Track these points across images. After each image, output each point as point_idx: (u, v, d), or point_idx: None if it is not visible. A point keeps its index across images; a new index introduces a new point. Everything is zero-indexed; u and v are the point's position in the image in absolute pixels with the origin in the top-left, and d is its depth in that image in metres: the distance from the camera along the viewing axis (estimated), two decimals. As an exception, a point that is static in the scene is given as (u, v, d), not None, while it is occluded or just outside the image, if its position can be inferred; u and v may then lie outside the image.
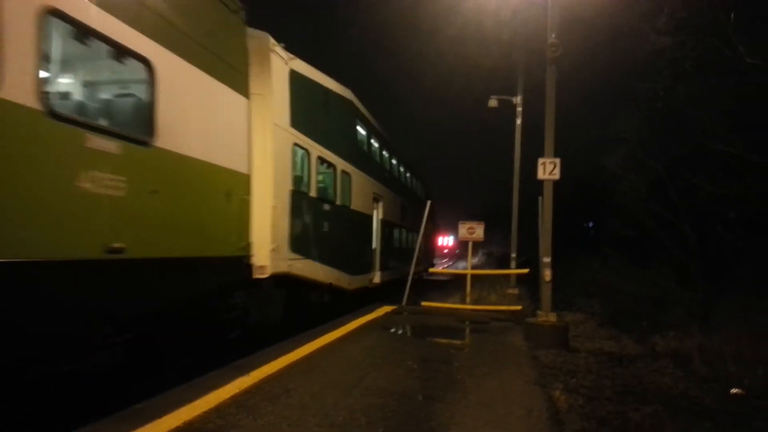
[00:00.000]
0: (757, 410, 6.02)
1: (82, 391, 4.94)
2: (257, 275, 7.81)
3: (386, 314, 11.28)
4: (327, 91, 11.34)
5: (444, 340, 8.89)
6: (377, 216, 15.57)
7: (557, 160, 9.35)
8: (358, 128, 14.18)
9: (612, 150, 18.60)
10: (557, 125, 9.55)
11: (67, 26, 4.59)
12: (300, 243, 9.27)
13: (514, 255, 18.29)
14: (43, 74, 4.25)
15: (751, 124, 12.47)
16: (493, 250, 58.79)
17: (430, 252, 30.53)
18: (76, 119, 4.60)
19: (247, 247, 7.59)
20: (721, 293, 12.25)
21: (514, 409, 4.94)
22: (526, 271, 14.59)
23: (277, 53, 8.57)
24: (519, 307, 12.46)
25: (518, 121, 19.08)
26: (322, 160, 10.75)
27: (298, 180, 9.39)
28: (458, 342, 8.80)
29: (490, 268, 32.22)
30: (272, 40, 8.38)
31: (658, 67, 13.94)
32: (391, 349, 7.60)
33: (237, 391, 5.06)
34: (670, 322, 11.43)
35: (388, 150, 17.84)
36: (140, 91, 5.59)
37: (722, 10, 11.89)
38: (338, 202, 11.75)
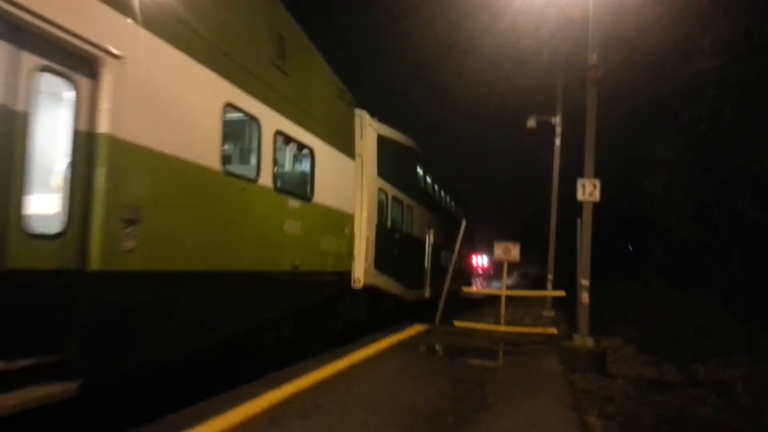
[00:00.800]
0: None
1: (120, 401, 5.03)
2: (355, 286, 11.11)
3: (418, 333, 11.21)
4: (398, 144, 14.23)
5: (477, 362, 8.77)
6: (429, 240, 17.11)
7: (597, 182, 9.20)
8: (417, 168, 16.91)
9: (654, 172, 18.22)
10: (597, 146, 9.42)
11: (283, 137, 8.04)
12: (381, 263, 12.24)
13: (550, 277, 17.99)
14: (274, 168, 7.57)
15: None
16: (529, 271, 58.00)
17: (466, 271, 30.98)
18: (284, 190, 8.06)
19: (351, 264, 10.98)
20: (767, 321, 11.78)
21: (548, 435, 4.84)
22: (562, 293, 14.32)
23: (371, 125, 11.97)
24: (554, 331, 12.21)
25: (557, 142, 18.91)
26: (395, 198, 13.74)
27: (380, 215, 12.55)
28: (492, 364, 8.67)
29: (525, 289, 31.79)
30: (368, 117, 11.89)
31: (702, 89, 13.65)
32: (423, 368, 7.55)
33: (267, 405, 5.08)
34: (712, 350, 11.03)
35: (436, 181, 19.89)
36: (306, 168, 9.02)
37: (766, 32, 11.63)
38: (404, 230, 14.70)
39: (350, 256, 10.84)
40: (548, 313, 15.77)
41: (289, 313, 8.43)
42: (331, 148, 9.63)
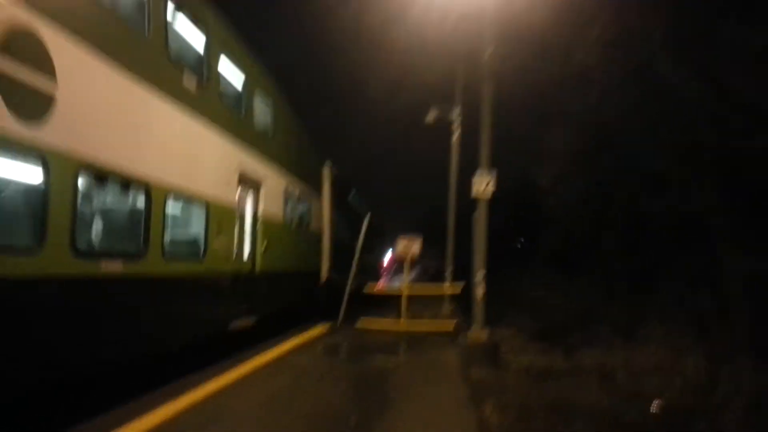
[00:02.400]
0: (676, 423, 6.28)
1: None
2: (322, 278, 15.87)
3: (321, 334, 11.16)
4: (340, 181, 18.25)
5: (379, 360, 8.85)
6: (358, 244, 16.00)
7: (491, 178, 9.54)
8: (349, 194, 22.22)
9: (542, 165, 19.08)
10: (494, 139, 9.75)
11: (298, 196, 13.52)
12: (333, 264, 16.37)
13: (448, 272, 18.49)
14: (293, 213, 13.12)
15: (675, 141, 13.07)
16: (431, 265, 59.36)
17: (375, 268, 32.32)
18: (298, 225, 13.64)
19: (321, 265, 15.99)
20: (645, 307, 12.73)
21: (447, 428, 4.96)
22: (458, 290, 14.82)
23: (330, 170, 16.56)
24: (452, 325, 12.58)
25: (455, 137, 19.39)
26: (338, 219, 17.90)
27: (335, 234, 16.90)
28: (393, 361, 8.78)
29: (427, 282, 32.53)
30: (330, 166, 16.64)
31: (589, 82, 14.41)
32: (325, 370, 7.52)
33: (163, 418, 4.85)
34: (595, 336, 11.77)
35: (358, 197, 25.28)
36: (304, 209, 14.44)
37: (652, 28, 12.43)
38: (339, 240, 17.67)
39: (321, 260, 15.92)
40: (448, 306, 16.22)
41: (302, 291, 14.01)
42: (316, 194, 15.47)
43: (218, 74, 8.64)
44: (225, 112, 8.80)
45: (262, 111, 10.88)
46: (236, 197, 9.15)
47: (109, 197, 6.33)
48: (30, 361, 4.58)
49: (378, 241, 36.53)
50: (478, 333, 9.17)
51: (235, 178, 9.08)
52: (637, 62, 13.20)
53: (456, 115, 19.34)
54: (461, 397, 6.21)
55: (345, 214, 19.18)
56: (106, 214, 6.21)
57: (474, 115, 10.20)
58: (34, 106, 4.51)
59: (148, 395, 5.58)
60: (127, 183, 6.15)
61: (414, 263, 15.00)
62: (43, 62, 4.58)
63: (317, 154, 16.27)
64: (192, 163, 7.59)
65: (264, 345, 9.18)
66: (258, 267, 10.21)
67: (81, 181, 5.19)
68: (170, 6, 6.98)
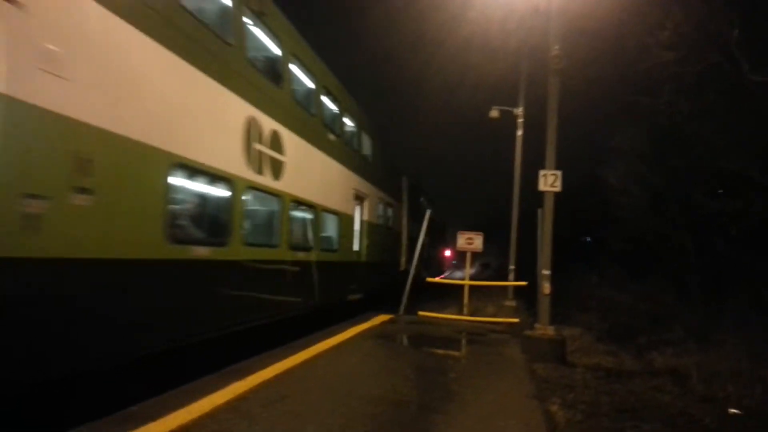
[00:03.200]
0: (756, 430, 5.97)
1: (80, 394, 4.88)
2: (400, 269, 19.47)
3: (382, 323, 11.21)
4: (415, 188, 22.62)
5: (441, 351, 8.82)
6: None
7: (558, 173, 9.30)
8: (419, 196, 25.21)
9: (612, 163, 18.56)
10: (559, 137, 9.51)
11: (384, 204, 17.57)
12: (406, 258, 19.96)
13: (512, 267, 18.20)
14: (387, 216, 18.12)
15: (753, 141, 12.47)
16: (491, 262, 58.74)
17: (437, 262, 34.05)
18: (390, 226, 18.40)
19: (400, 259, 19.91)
20: (720, 310, 12.20)
21: (512, 423, 4.88)
22: (524, 283, 14.52)
23: (407, 181, 20.34)
24: (516, 320, 12.39)
25: (519, 133, 19.06)
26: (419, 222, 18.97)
27: (409, 232, 20.49)
28: (455, 353, 8.73)
29: (486, 280, 32.20)
30: (405, 178, 20.30)
31: (660, 82, 13.94)
32: (388, 358, 7.54)
33: (232, 396, 4.99)
34: (668, 338, 11.37)
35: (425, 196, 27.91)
36: (390, 213, 18.28)
37: (726, 26, 11.91)
38: (411, 236, 20.55)
39: (400, 255, 19.93)
40: (510, 302, 15.96)
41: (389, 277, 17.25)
42: (396, 201, 18.87)
43: (344, 130, 13.31)
44: (347, 153, 13.26)
45: (365, 147, 15.76)
46: (353, 209, 13.63)
47: (299, 213, 10.41)
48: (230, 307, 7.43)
49: (440, 237, 36.53)
50: (544, 330, 8.95)
51: (352, 195, 13.50)
52: (712, 61, 12.68)
53: (520, 110, 19.01)
54: (527, 393, 6.09)
55: (416, 216, 22.28)
56: (294, 222, 10.19)
57: (540, 111, 9.96)
58: (277, 170, 8.68)
59: (238, 364, 5.81)
60: (307, 206, 10.48)
61: (473, 260, 14.81)
62: (281, 146, 8.83)
63: (396, 169, 20.65)
64: (333, 189, 12.02)
65: (329, 331, 9.32)
66: (363, 258, 14.61)
67: (293, 208, 9.60)
68: (326, 98, 11.78)
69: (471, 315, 13.15)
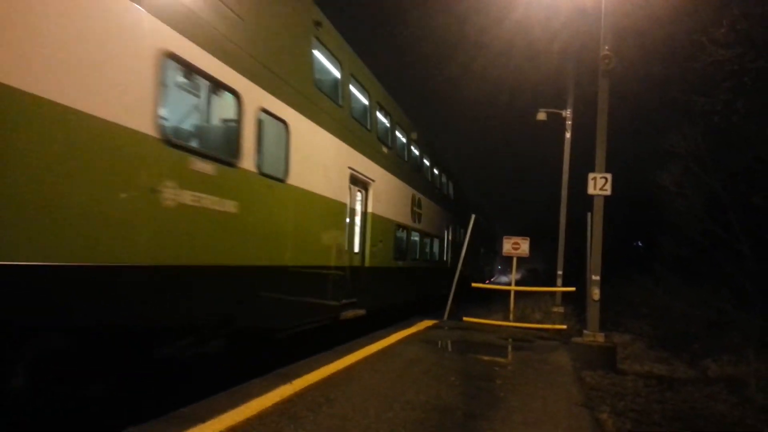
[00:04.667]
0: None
1: (133, 395, 5.04)
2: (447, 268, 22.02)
3: (427, 328, 11.18)
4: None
5: (486, 357, 8.72)
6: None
7: (608, 175, 9.10)
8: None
9: (665, 166, 17.99)
10: (609, 139, 9.30)
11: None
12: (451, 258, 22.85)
13: (560, 272, 17.87)
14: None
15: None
16: (537, 267, 57.76)
17: (485, 266, 34.96)
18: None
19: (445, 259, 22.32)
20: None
21: (559, 431, 4.78)
22: (572, 289, 14.24)
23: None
24: (564, 326, 12.15)
25: (567, 135, 18.74)
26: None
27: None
28: (501, 359, 8.62)
29: (532, 286, 31.79)
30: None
31: (716, 81, 13.45)
32: (432, 363, 7.51)
33: (279, 399, 5.06)
34: (724, 345, 10.94)
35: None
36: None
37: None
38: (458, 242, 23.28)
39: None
40: (558, 308, 15.67)
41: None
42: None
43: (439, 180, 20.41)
44: (446, 199, 21.41)
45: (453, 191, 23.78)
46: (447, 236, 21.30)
47: (420, 239, 17.11)
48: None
49: (488, 242, 36.20)
50: (593, 337, 8.75)
51: (446, 226, 21.32)
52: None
53: (568, 113, 18.68)
54: (575, 400, 5.96)
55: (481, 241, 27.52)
56: (421, 245, 17.29)
57: (589, 113, 9.78)
58: (417, 216, 15.42)
59: (285, 368, 5.92)
60: (429, 235, 17.81)
61: (518, 265, 14.56)
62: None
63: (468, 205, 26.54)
64: (439, 225, 20.04)
65: (374, 335, 9.35)
66: (449, 265, 20.54)
67: (418, 236, 16.23)
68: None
69: (517, 321, 12.97)
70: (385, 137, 12.99)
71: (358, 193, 10.94)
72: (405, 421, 4.71)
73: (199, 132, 6.47)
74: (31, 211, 3.80)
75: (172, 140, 5.12)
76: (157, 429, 4.09)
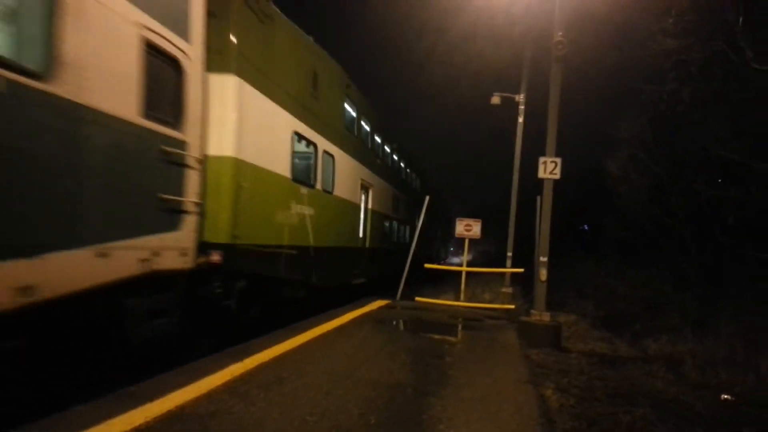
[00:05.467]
0: (746, 417, 6.04)
1: (78, 373, 4.93)
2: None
3: (380, 308, 11.27)
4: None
5: (437, 336, 8.87)
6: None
7: (558, 160, 9.33)
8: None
9: (613, 151, 18.53)
10: (560, 125, 9.51)
11: None
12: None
13: (510, 254, 18.26)
14: None
15: (755, 131, 12.45)
16: (488, 249, 58.82)
17: (438, 247, 35.50)
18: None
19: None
20: (717, 298, 12.26)
21: (506, 406, 4.94)
22: (521, 270, 14.60)
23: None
24: (512, 306, 12.47)
25: (520, 119, 19.02)
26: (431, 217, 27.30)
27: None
28: (451, 338, 8.79)
29: (484, 267, 32.39)
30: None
31: (663, 70, 13.88)
32: (384, 342, 7.60)
33: (230, 377, 5.05)
34: (663, 325, 11.44)
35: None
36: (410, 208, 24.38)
37: (731, 15, 11.84)
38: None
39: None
40: (507, 289, 16.05)
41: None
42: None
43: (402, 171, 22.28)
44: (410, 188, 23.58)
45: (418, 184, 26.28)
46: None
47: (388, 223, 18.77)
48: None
49: (444, 225, 36.67)
50: (540, 316, 9.03)
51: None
52: (717, 49, 12.62)
53: (521, 97, 18.96)
54: (521, 377, 6.15)
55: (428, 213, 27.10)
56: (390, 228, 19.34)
57: (543, 98, 9.94)
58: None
59: (237, 347, 5.86)
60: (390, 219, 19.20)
61: (470, 247, 14.82)
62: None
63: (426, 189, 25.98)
64: (404, 213, 21.97)
65: (327, 314, 9.39)
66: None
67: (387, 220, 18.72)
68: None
69: (468, 301, 13.22)
70: (378, 151, 17.14)
71: (363, 195, 14.79)
72: (356, 398, 4.77)
73: (300, 170, 10.06)
74: (253, 219, 7.82)
75: (295, 178, 9.38)
76: (103, 407, 4.02)
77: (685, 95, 13.56)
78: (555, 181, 9.38)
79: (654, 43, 13.50)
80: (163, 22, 5.77)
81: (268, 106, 8.25)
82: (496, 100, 19.47)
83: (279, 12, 8.60)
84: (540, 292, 9.23)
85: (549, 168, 9.33)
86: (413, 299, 12.95)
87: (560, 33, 9.41)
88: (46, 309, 4.31)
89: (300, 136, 9.63)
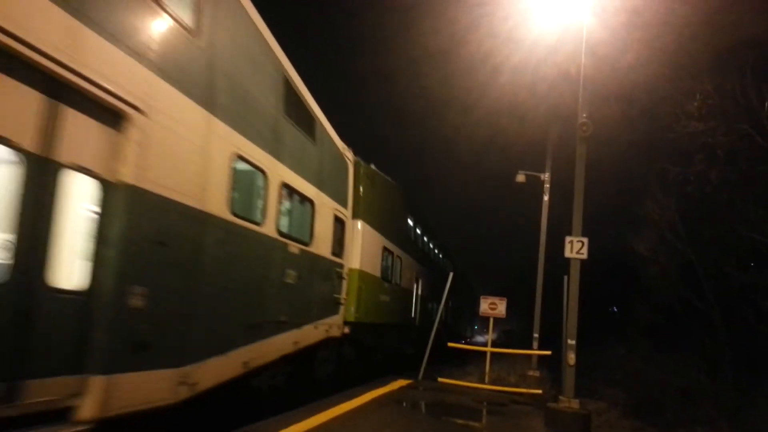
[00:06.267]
0: None
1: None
2: None
3: (401, 388, 10.92)
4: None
5: (460, 421, 8.50)
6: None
7: (585, 240, 9.17)
8: None
9: (640, 231, 18.25)
10: (586, 203, 9.42)
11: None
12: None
13: (536, 335, 17.74)
14: None
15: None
16: (513, 328, 57.43)
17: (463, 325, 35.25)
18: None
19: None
20: (753, 387, 11.62)
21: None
22: (548, 352, 14.12)
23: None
24: (539, 391, 11.96)
25: (545, 198, 19.00)
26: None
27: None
28: (475, 423, 8.42)
29: (508, 346, 31.50)
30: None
31: (690, 150, 13.84)
32: (406, 426, 7.28)
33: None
34: (698, 416, 10.84)
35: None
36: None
37: (755, 99, 11.88)
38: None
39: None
40: (533, 372, 15.46)
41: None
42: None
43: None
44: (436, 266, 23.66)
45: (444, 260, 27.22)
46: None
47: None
48: None
49: (466, 302, 36.22)
50: (568, 403, 8.60)
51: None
52: (742, 132, 12.60)
53: (546, 176, 19.02)
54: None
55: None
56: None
57: (569, 175, 9.93)
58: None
59: (256, 425, 5.67)
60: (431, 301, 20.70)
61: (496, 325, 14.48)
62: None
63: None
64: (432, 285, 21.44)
65: (346, 394, 9.09)
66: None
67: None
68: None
69: (493, 383, 12.75)
70: (425, 247, 20.26)
71: (415, 284, 17.50)
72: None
73: (385, 270, 14.01)
74: (365, 305, 11.89)
75: (382, 276, 13.68)
76: None
77: (713, 176, 13.43)
78: (582, 261, 9.19)
79: (679, 125, 13.54)
80: (340, 203, 10.58)
81: (372, 233, 12.47)
82: (521, 178, 19.55)
83: (378, 172, 13.15)
84: (568, 377, 8.84)
85: (576, 248, 9.17)
86: (435, 379, 12.53)
87: (584, 115, 9.49)
88: (302, 352, 8.68)
89: (386, 249, 13.71)
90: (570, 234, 9.29)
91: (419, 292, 18.85)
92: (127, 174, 4.40)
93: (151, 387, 4.64)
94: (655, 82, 13.75)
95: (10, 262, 3.64)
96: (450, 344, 14.00)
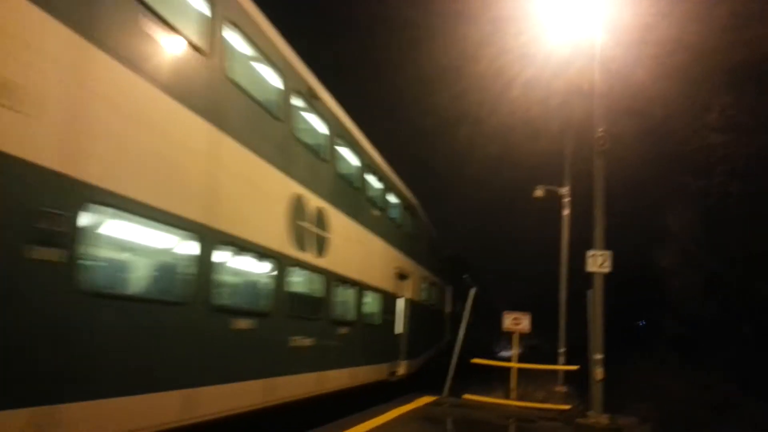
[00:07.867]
0: None
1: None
2: None
3: (426, 405, 10.90)
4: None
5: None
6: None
7: (608, 253, 9.16)
8: None
9: (662, 243, 18.09)
10: (608, 217, 9.43)
11: None
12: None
13: (562, 350, 17.57)
14: None
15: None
16: (537, 344, 56.71)
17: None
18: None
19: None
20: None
21: None
22: (575, 368, 13.98)
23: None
24: (568, 406, 11.84)
25: (565, 212, 18.93)
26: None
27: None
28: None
29: (533, 362, 31.13)
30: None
31: (709, 163, 13.78)
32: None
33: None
34: (730, 430, 10.64)
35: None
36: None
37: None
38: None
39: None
40: (561, 388, 15.31)
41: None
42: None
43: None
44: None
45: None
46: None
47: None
48: None
49: (488, 317, 36.18)
50: (597, 418, 8.56)
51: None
52: (762, 143, 12.53)
53: (565, 190, 18.96)
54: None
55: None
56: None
57: (588, 187, 9.95)
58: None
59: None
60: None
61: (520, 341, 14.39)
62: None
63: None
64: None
65: (371, 411, 9.12)
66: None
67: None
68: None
69: (519, 399, 12.65)
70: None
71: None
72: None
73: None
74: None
75: None
76: None
77: (734, 189, 13.33)
78: (606, 274, 9.17)
79: (697, 138, 13.51)
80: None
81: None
82: (539, 193, 19.49)
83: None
84: (596, 392, 8.80)
85: (598, 261, 9.16)
86: (460, 396, 12.48)
87: (601, 129, 9.53)
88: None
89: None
90: (592, 247, 9.29)
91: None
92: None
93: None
94: (669, 96, 13.75)
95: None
96: (474, 360, 13.93)
